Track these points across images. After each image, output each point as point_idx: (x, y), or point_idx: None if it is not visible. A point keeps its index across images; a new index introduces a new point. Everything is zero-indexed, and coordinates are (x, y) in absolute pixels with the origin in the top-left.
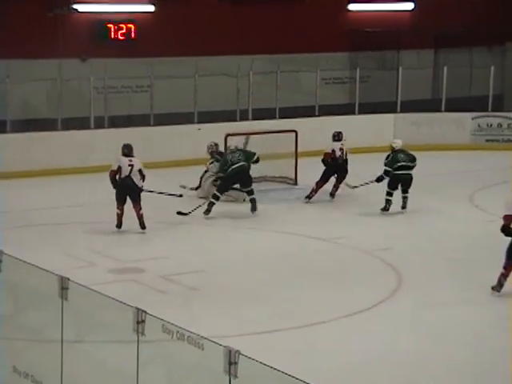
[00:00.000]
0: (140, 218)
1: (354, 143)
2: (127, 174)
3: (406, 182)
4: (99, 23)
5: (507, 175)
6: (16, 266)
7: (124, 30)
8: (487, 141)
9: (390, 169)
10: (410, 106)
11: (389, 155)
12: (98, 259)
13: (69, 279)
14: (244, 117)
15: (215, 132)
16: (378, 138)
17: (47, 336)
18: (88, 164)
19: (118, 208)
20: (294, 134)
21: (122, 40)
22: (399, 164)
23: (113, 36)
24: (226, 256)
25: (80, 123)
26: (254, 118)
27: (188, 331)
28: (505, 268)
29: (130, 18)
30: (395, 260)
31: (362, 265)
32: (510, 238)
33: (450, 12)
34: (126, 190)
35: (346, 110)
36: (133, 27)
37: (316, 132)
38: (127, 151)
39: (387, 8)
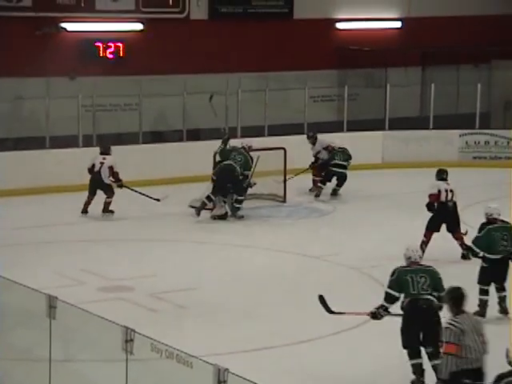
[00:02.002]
0: (104, 204)
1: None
2: (97, 169)
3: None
4: (87, 42)
5: (494, 192)
6: (4, 284)
7: (112, 49)
8: (474, 158)
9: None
10: (398, 124)
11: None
12: (86, 278)
13: (57, 298)
14: (233, 134)
15: (204, 150)
16: (367, 155)
17: (35, 355)
18: (76, 182)
19: (87, 197)
20: (282, 151)
21: (111, 58)
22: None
23: (101, 54)
24: (215, 274)
25: (68, 141)
26: (243, 136)
27: (177, 350)
28: (425, 236)
29: (119, 36)
30: (385, 277)
31: (352, 282)
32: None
33: (437, 30)
34: (94, 183)
35: (334, 127)
36: (121, 46)
37: (305, 149)
38: (102, 150)
39: (375, 26)
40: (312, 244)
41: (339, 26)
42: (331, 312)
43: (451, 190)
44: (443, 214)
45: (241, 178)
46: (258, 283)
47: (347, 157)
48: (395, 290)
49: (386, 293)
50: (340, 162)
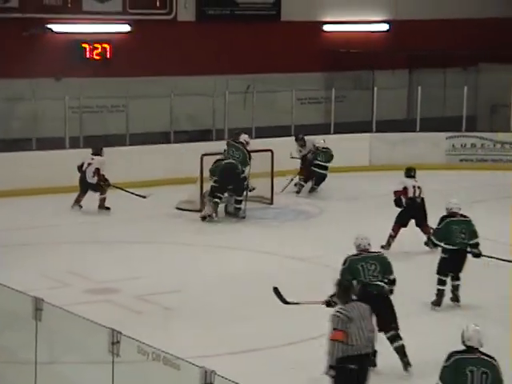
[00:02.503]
0: (99, 201)
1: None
2: (83, 169)
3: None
4: (74, 43)
5: (481, 195)
6: None
7: (99, 50)
8: (461, 160)
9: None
10: (386, 126)
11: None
12: (72, 280)
13: (43, 300)
14: (220, 136)
15: (191, 152)
16: (354, 157)
17: (21, 357)
18: (63, 184)
19: (78, 194)
20: (269, 153)
21: (97, 60)
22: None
23: (88, 56)
24: (202, 275)
25: (55, 143)
26: (230, 138)
27: (163, 352)
28: (393, 230)
29: (106, 37)
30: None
31: None
32: None
33: (424, 33)
34: (81, 182)
35: (321, 129)
36: (108, 47)
37: (292, 151)
38: (93, 151)
39: (362, 29)
40: (299, 246)
41: (326, 28)
42: (286, 302)
43: (419, 187)
44: (411, 209)
45: (242, 176)
46: (245, 285)
47: (329, 157)
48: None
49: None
50: (322, 163)
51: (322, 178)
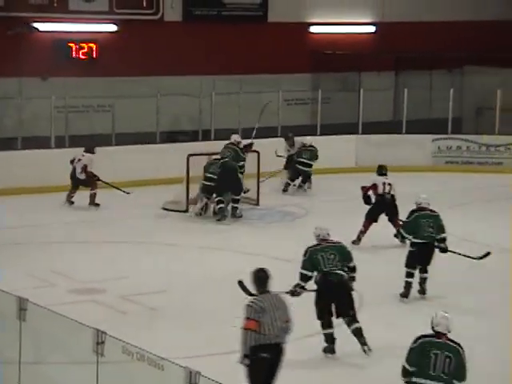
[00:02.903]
0: (90, 196)
1: (315, 164)
2: (74, 164)
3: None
4: (60, 42)
5: (466, 197)
6: None
7: (85, 50)
8: (447, 162)
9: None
10: (372, 128)
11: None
12: (57, 279)
13: (27, 300)
14: (206, 137)
15: (177, 152)
16: (340, 159)
17: (5, 357)
18: (49, 183)
19: (69, 189)
20: (256, 154)
21: (84, 59)
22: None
23: (74, 55)
24: (187, 276)
25: (40, 142)
26: (217, 139)
27: (148, 352)
28: (363, 226)
29: (92, 37)
30: (363, 288)
31: None
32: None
33: (411, 35)
34: (71, 177)
35: (307, 130)
36: (94, 46)
37: (277, 149)
38: (85, 148)
39: (349, 30)
40: (284, 247)
41: (313, 29)
42: (251, 294)
43: (389, 184)
44: (381, 205)
45: (240, 176)
46: (230, 286)
47: (314, 156)
48: (309, 270)
49: (301, 273)
50: (305, 161)
51: (307, 175)
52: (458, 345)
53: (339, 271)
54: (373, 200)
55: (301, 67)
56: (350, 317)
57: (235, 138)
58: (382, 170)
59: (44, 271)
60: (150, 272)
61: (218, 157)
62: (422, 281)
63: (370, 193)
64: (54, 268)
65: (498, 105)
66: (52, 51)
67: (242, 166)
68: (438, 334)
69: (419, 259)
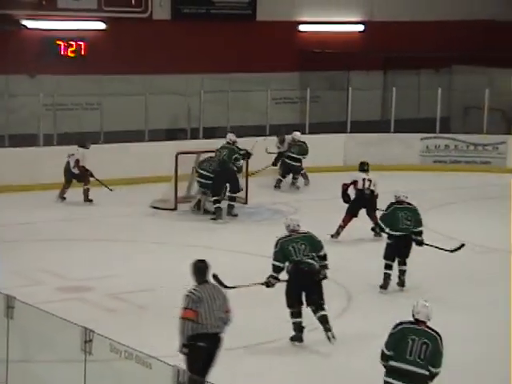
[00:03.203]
0: (83, 192)
1: (304, 163)
2: (68, 159)
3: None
4: (49, 40)
5: (454, 196)
6: None
7: (74, 47)
8: (435, 162)
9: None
10: (360, 127)
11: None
12: (45, 278)
13: (15, 298)
14: (195, 135)
15: (166, 150)
16: (328, 158)
17: None
18: (36, 181)
19: (63, 184)
20: (244, 152)
21: (72, 57)
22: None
23: (62, 53)
24: (175, 274)
25: (28, 140)
26: (205, 137)
27: (136, 350)
28: (343, 221)
29: (81, 35)
30: (344, 280)
31: None
32: None
33: (399, 35)
34: (65, 171)
35: (296, 129)
36: (83, 44)
37: (268, 147)
38: (80, 143)
39: (338, 29)
40: (272, 245)
41: (302, 28)
42: (226, 287)
43: (369, 180)
44: (361, 200)
45: (237, 174)
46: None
47: (303, 151)
48: (280, 261)
49: (273, 265)
50: (294, 155)
51: (296, 170)
52: (436, 333)
53: (310, 260)
54: (352, 196)
55: (289, 66)
56: (318, 304)
57: (230, 136)
58: (363, 166)
59: (32, 269)
60: (139, 270)
61: (214, 155)
62: (401, 273)
63: (350, 190)
64: (42, 266)
65: (486, 104)
66: (40, 49)
67: (239, 165)
68: (417, 322)
69: (397, 251)
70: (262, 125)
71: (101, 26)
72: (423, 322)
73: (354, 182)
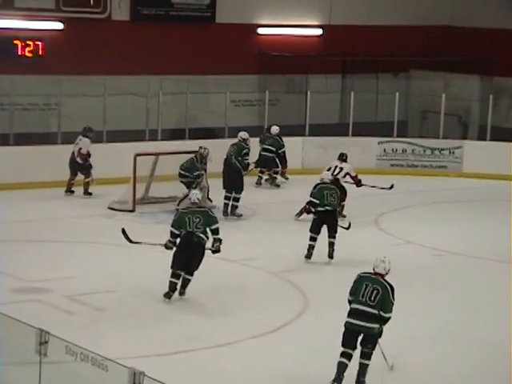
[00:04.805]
0: (83, 184)
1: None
2: (73, 150)
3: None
4: (6, 39)
5: (411, 200)
6: None
7: (31, 47)
8: (392, 165)
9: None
10: (318, 130)
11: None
12: (2, 279)
13: None
14: (153, 137)
15: (124, 151)
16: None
17: None
18: None
19: (69, 177)
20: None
21: (30, 57)
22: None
23: (20, 52)
24: (136, 276)
25: None
26: (164, 139)
27: (92, 352)
28: (307, 203)
29: (38, 35)
30: (302, 282)
31: (269, 287)
32: None
33: (357, 39)
34: (70, 162)
35: (255, 132)
36: (41, 44)
37: (225, 153)
38: (82, 132)
39: (296, 33)
40: (230, 248)
41: (261, 31)
42: (131, 242)
43: (341, 168)
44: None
45: (244, 173)
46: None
47: (276, 143)
48: (176, 229)
49: (170, 231)
50: (267, 147)
51: (270, 161)
52: (389, 284)
53: (200, 233)
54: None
55: (248, 68)
56: (190, 269)
57: (242, 134)
58: (342, 156)
59: None
60: (97, 272)
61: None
62: (329, 245)
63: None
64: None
65: (443, 109)
66: None
67: (246, 162)
68: (376, 274)
69: (321, 224)
70: (221, 127)
71: (59, 26)
72: (380, 275)
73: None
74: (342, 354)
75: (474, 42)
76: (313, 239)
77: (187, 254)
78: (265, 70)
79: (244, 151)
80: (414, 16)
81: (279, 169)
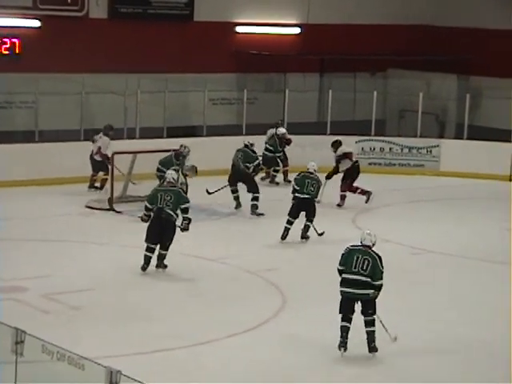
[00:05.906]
0: (100, 180)
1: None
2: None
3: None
4: None
5: (388, 198)
6: None
7: (8, 45)
8: (370, 164)
9: None
10: (296, 128)
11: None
12: None
13: None
14: (131, 135)
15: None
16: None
17: None
18: None
19: (91, 174)
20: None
21: (6, 55)
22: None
23: None
24: (113, 275)
25: None
26: (142, 137)
27: (68, 351)
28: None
29: (15, 32)
30: (280, 280)
31: (247, 285)
32: None
33: (335, 38)
34: (90, 159)
35: (233, 130)
36: (17, 42)
37: (203, 152)
38: (103, 130)
39: (274, 31)
40: (209, 247)
41: (239, 29)
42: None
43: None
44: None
45: (252, 174)
46: (156, 285)
47: (275, 144)
48: (149, 203)
49: (145, 205)
50: (268, 146)
51: (270, 161)
52: (377, 255)
53: (170, 211)
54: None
55: (226, 67)
56: (163, 244)
57: (246, 142)
58: (333, 145)
59: None
60: (74, 271)
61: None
62: (304, 227)
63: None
64: None
65: (420, 108)
66: None
67: (257, 165)
68: (363, 246)
69: (299, 210)
70: (199, 125)
71: (36, 23)
72: (368, 246)
73: (349, 154)
74: (343, 319)
75: (452, 42)
76: (289, 222)
77: (158, 229)
78: (243, 68)
79: (256, 162)
80: (392, 15)
81: (279, 168)
